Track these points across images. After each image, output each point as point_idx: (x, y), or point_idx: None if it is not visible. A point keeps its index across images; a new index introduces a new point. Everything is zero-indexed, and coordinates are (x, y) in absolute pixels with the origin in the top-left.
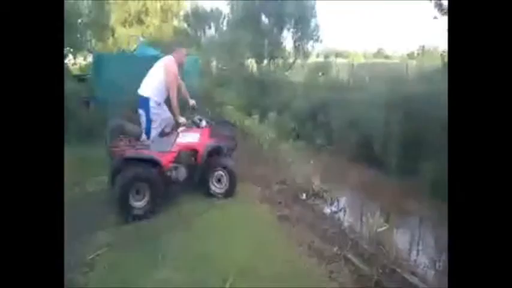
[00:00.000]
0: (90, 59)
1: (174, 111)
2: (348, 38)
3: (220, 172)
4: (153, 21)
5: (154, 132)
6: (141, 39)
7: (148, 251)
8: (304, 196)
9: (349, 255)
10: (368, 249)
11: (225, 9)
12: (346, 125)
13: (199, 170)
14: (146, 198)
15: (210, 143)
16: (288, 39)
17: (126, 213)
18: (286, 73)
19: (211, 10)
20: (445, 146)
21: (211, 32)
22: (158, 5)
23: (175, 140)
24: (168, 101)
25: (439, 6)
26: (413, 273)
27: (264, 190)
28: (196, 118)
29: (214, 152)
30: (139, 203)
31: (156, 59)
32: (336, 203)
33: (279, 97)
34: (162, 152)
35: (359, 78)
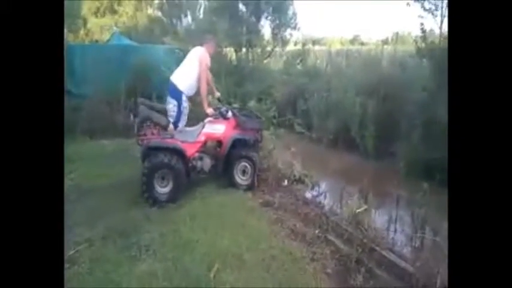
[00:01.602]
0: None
1: (203, 102)
2: (324, 25)
3: (245, 163)
4: (126, 10)
5: (182, 124)
6: (115, 29)
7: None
8: (285, 182)
9: (330, 237)
10: (348, 230)
11: None
12: (324, 111)
13: (224, 160)
14: (170, 185)
15: (235, 134)
16: (266, 27)
17: (151, 198)
18: (265, 61)
19: None
20: (418, 127)
21: (187, 20)
22: None
23: (201, 131)
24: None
25: None
26: (391, 251)
27: None
28: (223, 109)
29: (239, 144)
30: (163, 189)
31: (130, 48)
32: (316, 188)
33: (258, 85)
34: (187, 141)
35: (336, 65)
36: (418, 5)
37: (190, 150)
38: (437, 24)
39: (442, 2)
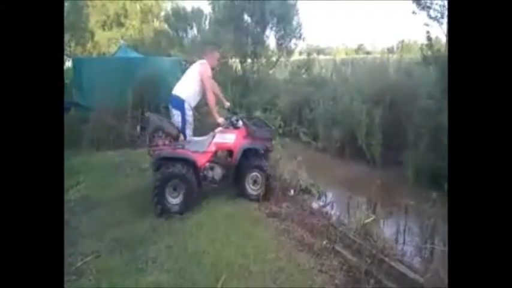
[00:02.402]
0: (69, 63)
1: (212, 112)
2: (329, 35)
3: (256, 173)
4: (132, 23)
5: (188, 133)
6: (122, 41)
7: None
8: (292, 192)
9: (338, 248)
10: (356, 240)
11: (207, 8)
12: (330, 120)
13: (235, 170)
14: (181, 196)
15: (245, 143)
16: (271, 37)
17: (162, 209)
18: (270, 71)
19: (193, 10)
20: (426, 135)
21: (193, 32)
22: (138, 6)
23: (211, 141)
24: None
25: (417, 1)
26: (400, 261)
27: None
28: (233, 119)
29: (250, 153)
30: (175, 200)
31: (137, 61)
32: (323, 198)
33: (264, 95)
34: (198, 152)
35: (341, 74)
36: (423, 13)
37: (201, 160)
38: (444, 32)
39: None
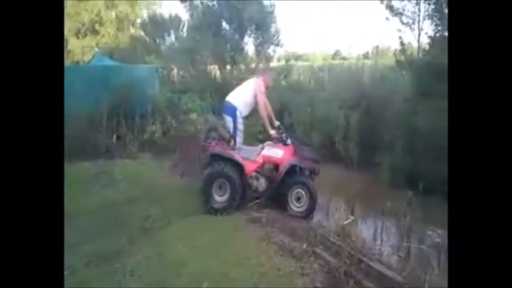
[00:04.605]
0: None
1: (265, 125)
2: (307, 41)
3: (300, 190)
4: (108, 30)
5: (238, 140)
6: (96, 49)
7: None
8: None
9: (318, 250)
10: (336, 242)
11: (184, 15)
12: (309, 125)
13: (279, 185)
14: (227, 195)
15: (292, 160)
16: (249, 44)
17: (208, 205)
18: (249, 78)
19: (170, 17)
20: (401, 137)
21: (170, 39)
22: (113, 13)
23: (260, 152)
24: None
25: (390, 7)
26: (378, 261)
27: None
28: (284, 135)
29: (296, 170)
30: (220, 198)
31: (112, 69)
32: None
33: None
34: (247, 159)
35: (319, 80)
36: (396, 19)
37: (249, 168)
38: (415, 37)
39: (419, 16)
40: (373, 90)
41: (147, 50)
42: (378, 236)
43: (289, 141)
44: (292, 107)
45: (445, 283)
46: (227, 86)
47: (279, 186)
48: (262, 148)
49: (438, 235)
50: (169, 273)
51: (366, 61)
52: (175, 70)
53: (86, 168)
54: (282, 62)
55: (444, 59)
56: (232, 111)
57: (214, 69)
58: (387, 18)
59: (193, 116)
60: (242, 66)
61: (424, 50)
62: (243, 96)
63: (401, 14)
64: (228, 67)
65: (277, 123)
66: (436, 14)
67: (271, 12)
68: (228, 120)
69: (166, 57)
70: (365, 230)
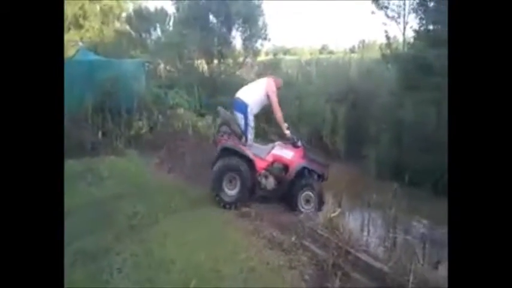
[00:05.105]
0: None
1: (279, 123)
2: (294, 35)
3: (309, 193)
4: (92, 24)
5: (249, 137)
6: (80, 44)
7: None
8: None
9: (307, 243)
10: (324, 234)
11: (171, 9)
12: (297, 119)
13: (288, 186)
14: (237, 189)
15: (303, 162)
16: (237, 38)
17: (219, 197)
18: (237, 72)
19: (156, 10)
20: (387, 130)
21: (156, 33)
22: (98, 7)
23: (270, 151)
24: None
25: (375, 1)
26: (365, 252)
27: None
28: (295, 138)
29: (305, 173)
30: (230, 192)
31: (97, 63)
32: None
33: (231, 96)
34: (258, 156)
35: (307, 74)
36: (382, 13)
37: (259, 165)
38: (401, 31)
39: (404, 10)
40: (359, 84)
41: (133, 44)
42: (364, 228)
43: (299, 143)
44: (280, 100)
45: (430, 273)
46: (215, 81)
47: (289, 187)
48: (273, 147)
49: (423, 226)
50: (158, 271)
51: (352, 55)
52: (161, 65)
53: (71, 166)
54: (270, 56)
55: (428, 52)
56: (243, 107)
57: (202, 64)
58: (373, 12)
59: (181, 111)
60: (230, 60)
61: (409, 43)
62: (254, 94)
63: (386, 7)
64: (216, 61)
65: (285, 125)
66: (420, 7)
67: (259, 6)
68: (239, 116)
69: (152, 51)
70: (352, 222)
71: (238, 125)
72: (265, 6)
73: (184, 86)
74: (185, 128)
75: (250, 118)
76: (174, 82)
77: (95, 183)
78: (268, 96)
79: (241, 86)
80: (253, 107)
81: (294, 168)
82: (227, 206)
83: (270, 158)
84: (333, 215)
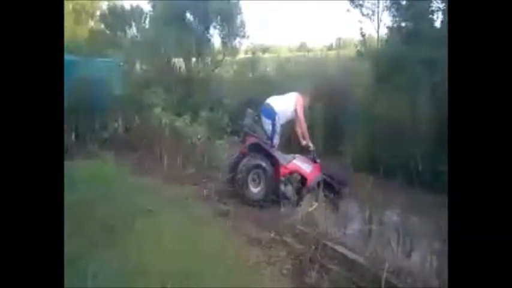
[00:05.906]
0: None
1: (304, 136)
2: (273, 33)
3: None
4: (65, 23)
5: (276, 143)
6: None
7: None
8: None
9: (285, 238)
10: (302, 229)
11: (146, 7)
12: None
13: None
14: (261, 187)
15: (321, 175)
16: (215, 36)
17: (244, 195)
18: (216, 70)
19: (132, 8)
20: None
21: (132, 31)
22: (70, 5)
23: (291, 160)
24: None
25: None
26: (342, 244)
27: (199, 189)
28: (315, 154)
29: (323, 186)
30: (255, 189)
31: (69, 63)
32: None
33: (209, 95)
34: (280, 162)
35: (285, 72)
36: (357, 10)
37: (281, 171)
38: (375, 29)
39: (378, 8)
40: (335, 81)
41: (108, 43)
42: (342, 221)
43: (318, 160)
44: (259, 99)
45: (404, 261)
46: (193, 79)
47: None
48: (293, 158)
49: (397, 215)
50: (135, 274)
51: (329, 52)
52: (137, 64)
53: None
54: (249, 54)
55: (401, 48)
56: (271, 114)
57: (179, 62)
58: (348, 10)
59: (157, 110)
60: (208, 59)
61: (382, 40)
62: (284, 105)
63: (361, 5)
64: (193, 60)
65: (304, 142)
66: (394, 5)
67: (237, 4)
68: (267, 122)
69: (128, 50)
70: (329, 215)
71: (265, 130)
72: (243, 4)
73: (161, 85)
74: (162, 128)
75: (278, 125)
76: (151, 81)
77: (69, 187)
78: (296, 111)
79: (220, 84)
80: (281, 116)
81: (312, 179)
82: (251, 203)
83: (290, 167)
84: (310, 209)
